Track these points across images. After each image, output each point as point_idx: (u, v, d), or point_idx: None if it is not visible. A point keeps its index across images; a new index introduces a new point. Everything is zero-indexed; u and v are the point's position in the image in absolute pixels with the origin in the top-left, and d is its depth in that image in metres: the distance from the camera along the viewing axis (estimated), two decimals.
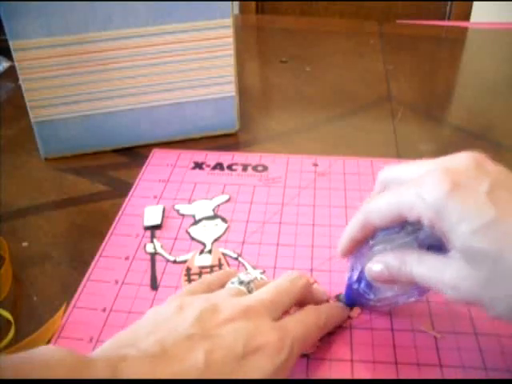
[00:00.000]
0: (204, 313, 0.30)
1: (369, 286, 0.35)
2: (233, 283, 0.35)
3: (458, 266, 0.29)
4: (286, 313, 0.34)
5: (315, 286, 0.40)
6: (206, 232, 0.46)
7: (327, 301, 0.39)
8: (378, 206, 0.33)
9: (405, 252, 0.33)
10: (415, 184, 0.31)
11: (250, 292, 0.34)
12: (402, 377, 0.34)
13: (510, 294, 0.28)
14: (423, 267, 0.31)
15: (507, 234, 0.28)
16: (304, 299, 0.36)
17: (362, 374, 0.34)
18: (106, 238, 0.46)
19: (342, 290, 0.40)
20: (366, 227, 0.34)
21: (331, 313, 0.36)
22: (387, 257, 0.33)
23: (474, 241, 0.28)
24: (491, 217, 0.28)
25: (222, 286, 0.35)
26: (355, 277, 0.35)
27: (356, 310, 0.38)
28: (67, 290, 0.41)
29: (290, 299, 0.34)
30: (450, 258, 0.30)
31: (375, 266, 0.34)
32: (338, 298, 0.39)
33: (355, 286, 0.36)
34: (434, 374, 0.34)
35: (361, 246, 0.35)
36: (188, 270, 0.43)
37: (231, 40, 0.55)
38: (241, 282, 0.34)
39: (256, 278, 0.34)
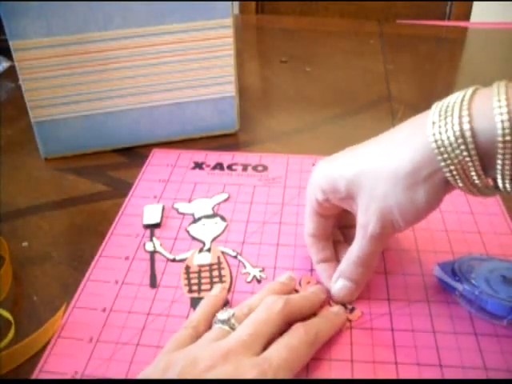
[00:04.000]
0: (185, 368, 0.30)
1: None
2: (215, 323, 0.35)
3: (361, 209, 0.35)
4: (271, 341, 0.34)
5: (314, 287, 0.40)
6: (206, 230, 0.46)
7: (328, 302, 0.39)
8: (306, 221, 0.41)
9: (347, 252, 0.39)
10: (308, 183, 0.40)
11: (232, 328, 0.34)
12: (401, 377, 0.34)
13: (395, 192, 0.33)
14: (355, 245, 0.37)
15: (365, 151, 0.36)
16: (289, 319, 0.35)
17: (362, 374, 0.34)
18: (106, 237, 0.46)
19: None
20: (318, 244, 0.41)
21: (324, 324, 0.36)
22: (337, 270, 0.39)
23: (347, 175, 0.36)
24: (350, 153, 0.37)
25: (210, 321, 0.36)
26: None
27: (356, 313, 0.38)
28: (67, 290, 0.41)
29: (269, 328, 0.34)
30: (359, 215, 0.36)
31: (338, 288, 0.39)
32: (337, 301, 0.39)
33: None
34: (434, 374, 0.34)
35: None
36: (187, 268, 0.43)
37: (231, 40, 0.55)
38: (222, 322, 0.34)
39: (234, 314, 0.35)
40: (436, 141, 0.31)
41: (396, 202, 0.34)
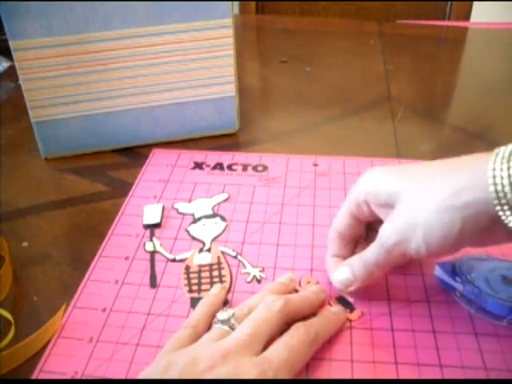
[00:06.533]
0: (185, 368, 0.30)
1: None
2: (215, 323, 0.35)
3: (387, 220, 0.36)
4: (271, 340, 0.34)
5: (314, 286, 0.40)
6: (206, 230, 0.46)
7: (328, 302, 0.39)
8: (338, 217, 0.41)
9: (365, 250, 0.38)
10: (355, 183, 0.40)
11: (232, 328, 0.34)
12: (402, 377, 0.34)
13: (429, 209, 0.33)
14: (375, 246, 0.37)
15: (419, 168, 0.36)
16: (288, 319, 0.35)
17: (362, 374, 0.34)
18: (106, 238, 0.46)
19: None
20: (338, 241, 0.41)
21: (324, 324, 0.36)
22: (350, 260, 0.39)
23: (393, 182, 0.36)
24: (405, 166, 0.38)
25: (209, 321, 0.36)
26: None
27: (356, 313, 0.38)
28: (67, 290, 0.41)
29: (269, 328, 0.34)
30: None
31: (341, 272, 0.39)
32: (338, 300, 0.39)
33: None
34: (434, 374, 0.34)
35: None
36: (187, 268, 0.43)
37: (231, 40, 0.55)
38: (222, 322, 0.34)
39: (234, 314, 0.35)
40: (495, 176, 0.30)
41: (424, 221, 0.33)
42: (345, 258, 0.40)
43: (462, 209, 0.31)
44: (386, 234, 0.35)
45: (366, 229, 0.41)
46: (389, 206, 0.36)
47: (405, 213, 0.34)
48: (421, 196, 0.34)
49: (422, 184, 0.34)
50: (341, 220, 0.40)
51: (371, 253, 0.37)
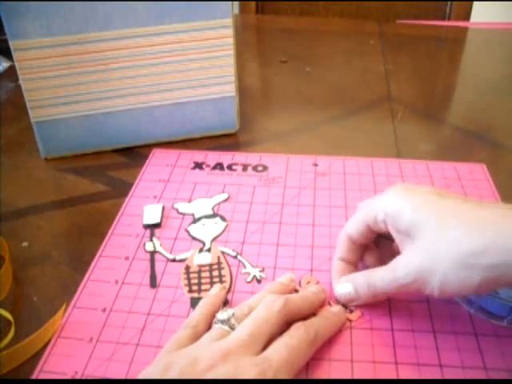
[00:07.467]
0: (185, 368, 0.31)
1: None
2: (215, 323, 0.35)
3: (406, 251, 0.35)
4: (271, 340, 0.34)
5: (314, 286, 0.40)
6: (206, 230, 0.46)
7: (328, 302, 0.39)
8: (352, 222, 0.40)
9: (371, 271, 0.38)
10: (378, 197, 0.38)
11: (232, 328, 0.34)
12: (402, 377, 0.34)
13: (450, 261, 0.32)
14: (384, 273, 0.36)
15: (445, 207, 0.34)
16: (288, 318, 0.35)
17: (362, 374, 0.34)
18: (106, 238, 0.46)
19: None
20: (348, 245, 0.40)
21: (324, 323, 0.36)
22: (354, 276, 0.38)
23: (417, 214, 0.34)
24: (432, 198, 0.35)
25: (209, 321, 0.36)
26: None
27: (356, 313, 0.38)
28: (67, 290, 0.41)
29: (268, 328, 0.34)
30: (401, 255, 0.36)
31: (343, 287, 0.39)
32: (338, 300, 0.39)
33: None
34: (434, 374, 0.34)
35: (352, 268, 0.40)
36: (187, 268, 0.43)
37: (231, 40, 0.55)
38: (222, 322, 0.34)
39: (234, 313, 0.35)
40: None
41: (442, 271, 0.33)
42: (351, 262, 0.40)
43: (482, 270, 0.31)
44: (405, 271, 0.34)
45: (377, 236, 0.40)
46: (407, 235, 0.35)
47: (425, 255, 0.33)
48: (443, 242, 0.33)
49: (445, 227, 0.33)
50: (354, 226, 0.39)
51: (381, 279, 0.36)
